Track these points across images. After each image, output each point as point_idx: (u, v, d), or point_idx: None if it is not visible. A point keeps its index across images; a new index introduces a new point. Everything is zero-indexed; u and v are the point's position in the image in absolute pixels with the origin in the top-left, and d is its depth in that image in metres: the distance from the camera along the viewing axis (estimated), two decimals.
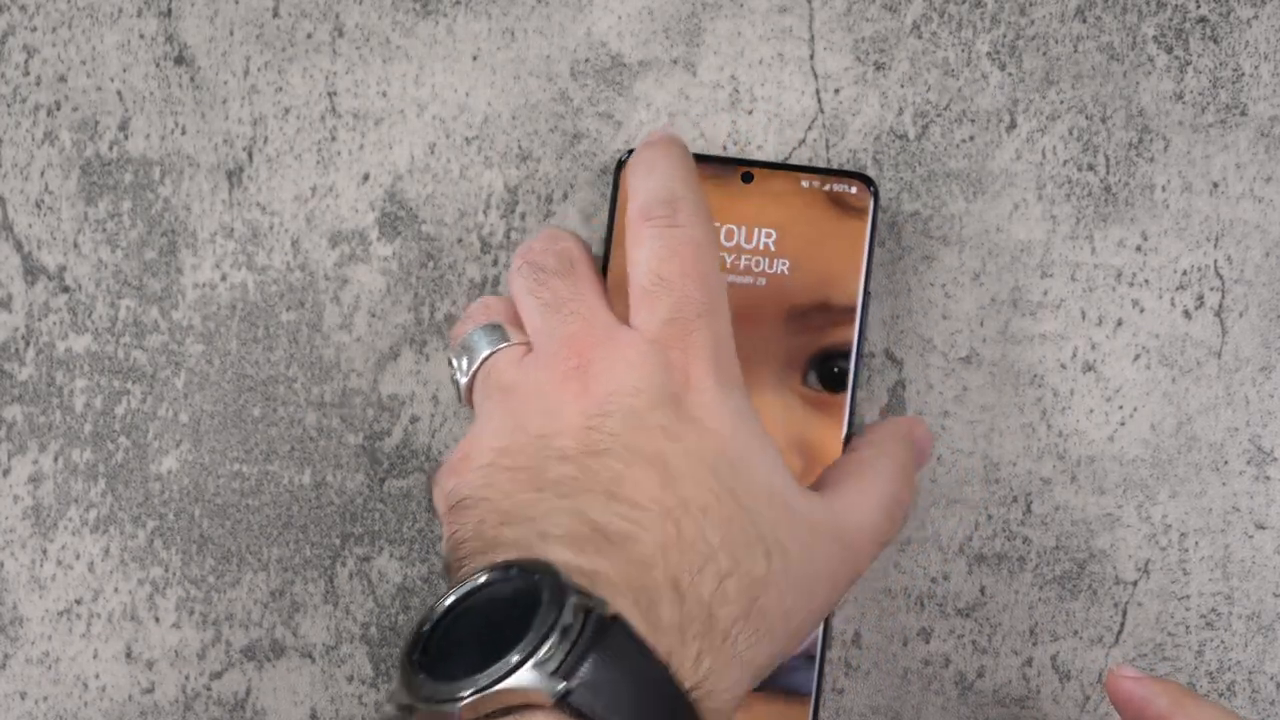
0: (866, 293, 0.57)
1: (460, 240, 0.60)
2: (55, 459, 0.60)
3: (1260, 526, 0.58)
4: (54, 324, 0.60)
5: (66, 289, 0.61)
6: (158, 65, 0.61)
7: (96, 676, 0.60)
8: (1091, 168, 0.59)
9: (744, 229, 0.57)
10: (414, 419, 0.60)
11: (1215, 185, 0.59)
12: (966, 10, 0.60)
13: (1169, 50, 0.59)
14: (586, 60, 0.60)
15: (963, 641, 0.58)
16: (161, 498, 0.60)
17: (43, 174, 0.61)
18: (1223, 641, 0.58)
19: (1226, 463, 0.58)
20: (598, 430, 0.46)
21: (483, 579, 0.43)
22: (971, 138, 0.59)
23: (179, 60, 0.61)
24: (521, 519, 0.44)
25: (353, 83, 0.61)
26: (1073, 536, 0.58)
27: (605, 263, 0.58)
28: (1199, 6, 0.59)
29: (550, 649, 0.40)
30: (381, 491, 0.60)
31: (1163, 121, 0.59)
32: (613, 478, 0.44)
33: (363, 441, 0.60)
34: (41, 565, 0.60)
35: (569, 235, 0.52)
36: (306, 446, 0.60)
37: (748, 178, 0.58)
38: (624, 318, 0.49)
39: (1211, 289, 0.59)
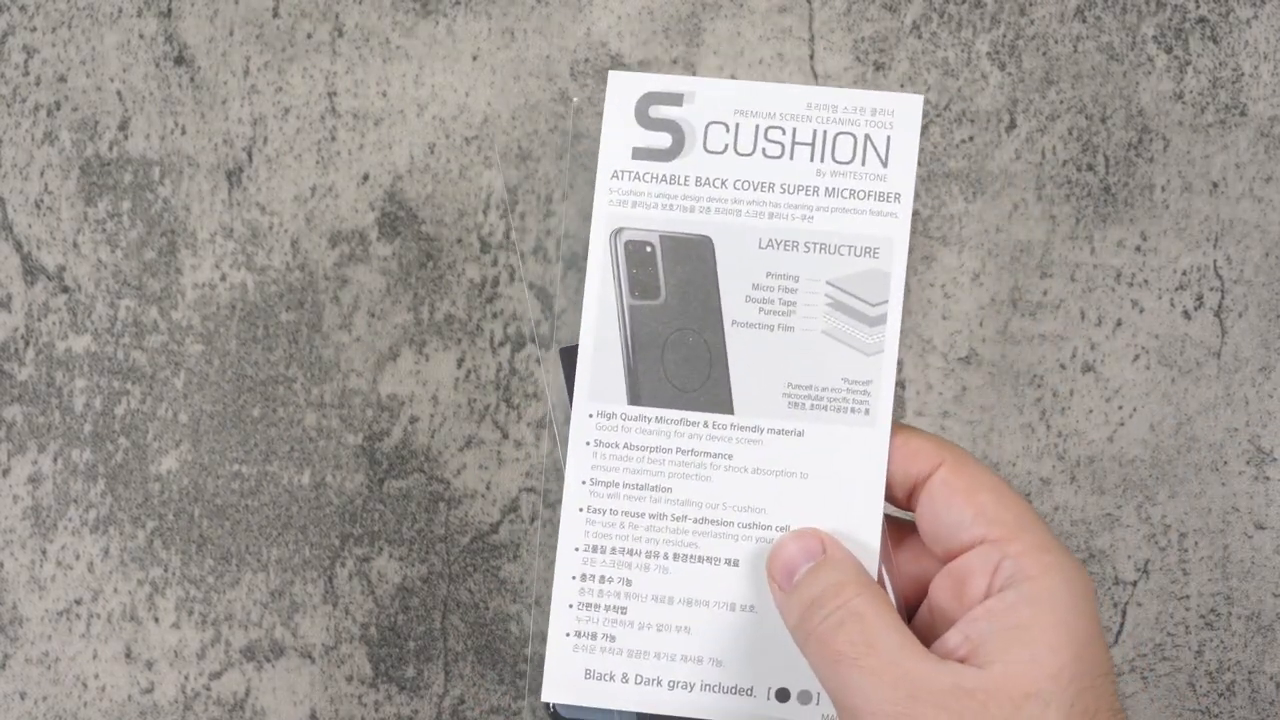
0: None
1: (460, 240, 0.60)
2: (55, 459, 0.60)
3: (1259, 526, 0.58)
4: (54, 324, 0.60)
5: (66, 289, 0.61)
6: (158, 65, 0.61)
7: (96, 676, 0.60)
8: (1091, 168, 0.59)
9: None
10: (413, 419, 0.60)
11: (1215, 185, 0.59)
12: (966, 10, 0.60)
13: (1169, 50, 0.59)
14: (586, 60, 0.60)
15: None
16: (161, 498, 0.60)
17: (43, 174, 0.61)
18: (1222, 641, 0.58)
19: (1226, 463, 0.58)
20: None
21: None
22: (971, 138, 0.59)
23: (179, 60, 0.61)
24: None
25: (353, 83, 0.61)
26: (1072, 536, 0.58)
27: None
28: (1199, 6, 0.59)
29: None
30: (381, 492, 0.60)
31: (1162, 121, 0.59)
32: None
33: (362, 442, 0.60)
34: (41, 565, 0.60)
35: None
36: (306, 447, 0.60)
37: None
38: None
39: (1211, 289, 0.59)
